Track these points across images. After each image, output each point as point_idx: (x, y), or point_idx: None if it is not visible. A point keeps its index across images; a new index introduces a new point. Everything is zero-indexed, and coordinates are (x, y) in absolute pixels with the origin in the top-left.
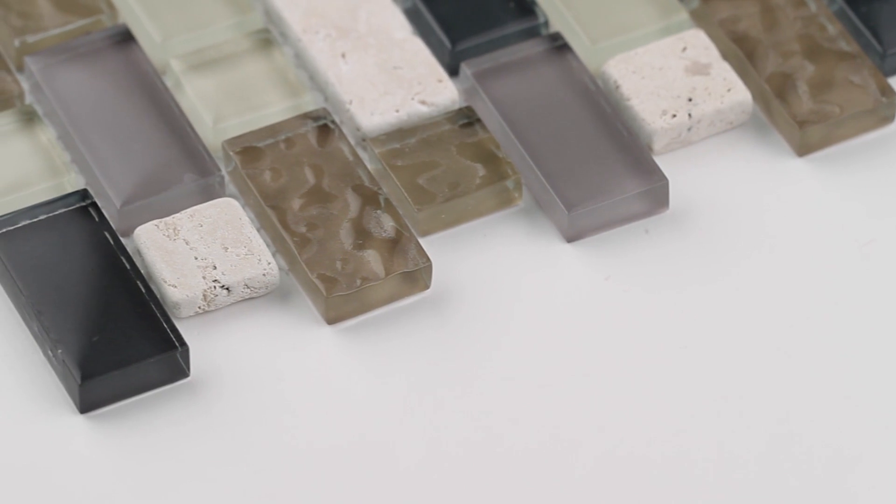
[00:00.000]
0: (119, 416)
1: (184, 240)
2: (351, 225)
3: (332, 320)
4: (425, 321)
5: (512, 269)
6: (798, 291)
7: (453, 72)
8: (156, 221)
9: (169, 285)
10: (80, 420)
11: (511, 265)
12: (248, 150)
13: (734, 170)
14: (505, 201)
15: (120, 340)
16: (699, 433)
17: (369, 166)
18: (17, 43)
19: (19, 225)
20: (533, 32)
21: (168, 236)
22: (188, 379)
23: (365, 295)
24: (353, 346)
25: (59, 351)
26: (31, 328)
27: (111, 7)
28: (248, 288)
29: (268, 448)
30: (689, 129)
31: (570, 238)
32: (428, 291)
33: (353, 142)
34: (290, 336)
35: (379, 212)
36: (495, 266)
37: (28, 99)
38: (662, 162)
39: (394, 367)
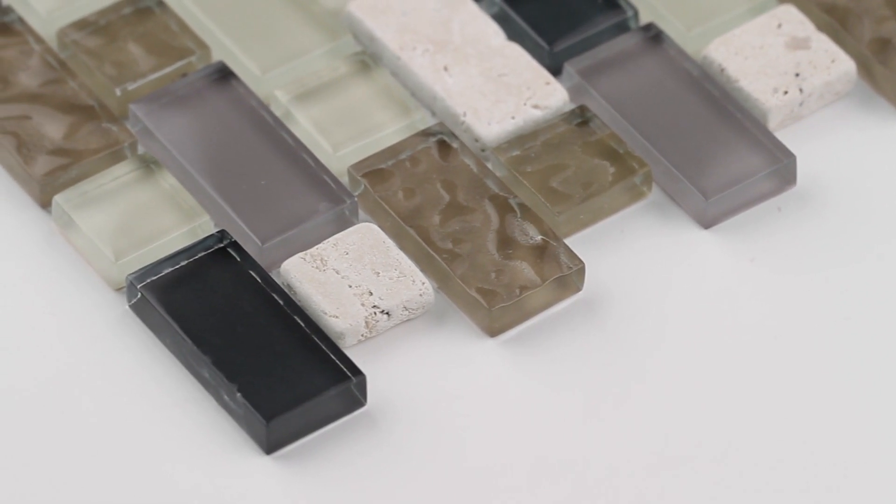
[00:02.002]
0: (303, 452)
1: (334, 269)
2: (496, 235)
3: (494, 332)
4: (583, 324)
5: (656, 262)
6: None
7: (554, 73)
8: (301, 254)
9: (330, 316)
10: (267, 461)
11: (654, 258)
12: (375, 172)
13: (849, 139)
14: (636, 196)
15: (295, 377)
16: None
17: (497, 175)
18: (118, 92)
19: (162, 274)
20: (623, 26)
21: (317, 268)
22: (364, 408)
23: (524, 304)
24: (519, 358)
25: (238, 395)
26: (198, 375)
27: (202, 46)
28: (406, 310)
29: (454, 471)
30: (801, 104)
31: (707, 224)
32: (580, 294)
33: (473, 153)
34: (455, 353)
35: (520, 219)
36: (639, 261)
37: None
38: (780, 138)
39: (563, 376)
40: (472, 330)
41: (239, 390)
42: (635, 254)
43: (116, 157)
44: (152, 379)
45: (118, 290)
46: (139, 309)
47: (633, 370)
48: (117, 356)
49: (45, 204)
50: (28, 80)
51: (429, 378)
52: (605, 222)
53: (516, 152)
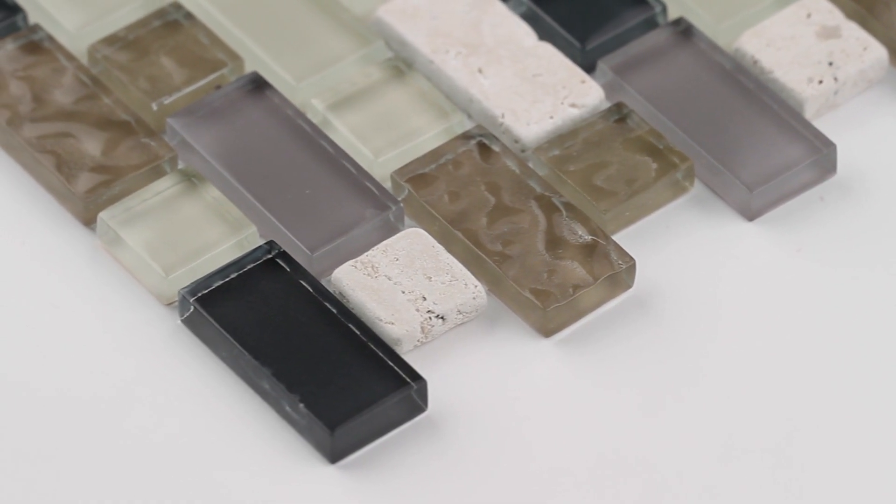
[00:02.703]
0: (367, 460)
1: (385, 276)
2: (544, 236)
3: (549, 333)
4: (636, 321)
5: (703, 256)
6: None
7: (586, 71)
8: (352, 262)
9: (386, 323)
10: (332, 471)
11: (701, 252)
12: (419, 177)
13: (885, 126)
14: (678, 191)
15: (356, 385)
16: None
17: (540, 175)
18: (154, 106)
19: (213, 287)
20: (652, 21)
21: (368, 275)
22: (425, 413)
23: (577, 303)
24: (575, 357)
25: (301, 405)
26: (257, 387)
27: (234, 57)
28: (460, 314)
29: (519, 472)
30: (836, 93)
31: (751, 216)
32: (630, 291)
33: (514, 154)
34: (511, 355)
35: (568, 219)
36: (686, 256)
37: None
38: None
39: (620, 374)
40: (525, 331)
41: (301, 400)
42: (682, 248)
43: (157, 172)
44: (210, 392)
45: (169, 304)
46: (192, 323)
47: (689, 365)
48: (173, 370)
49: (89, 221)
50: (62, 97)
51: (487, 380)
52: (649, 218)
53: (557, 152)
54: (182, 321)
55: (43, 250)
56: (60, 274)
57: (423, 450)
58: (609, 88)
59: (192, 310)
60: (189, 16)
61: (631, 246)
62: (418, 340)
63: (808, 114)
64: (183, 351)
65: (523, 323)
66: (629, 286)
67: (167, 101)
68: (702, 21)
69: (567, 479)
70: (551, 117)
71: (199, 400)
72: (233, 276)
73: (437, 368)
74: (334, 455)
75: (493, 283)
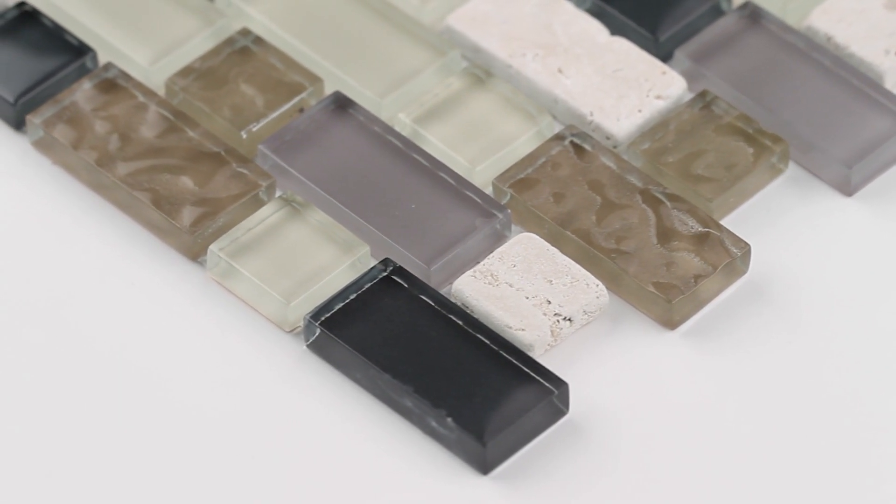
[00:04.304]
0: (516, 468)
1: (506, 283)
2: (656, 229)
3: (674, 325)
4: (754, 305)
5: (809, 236)
6: None
7: (661, 61)
8: (470, 272)
9: (516, 330)
10: (485, 482)
11: (807, 232)
12: (520, 182)
13: None
14: (775, 173)
15: (499, 395)
16: None
17: (638, 169)
18: (243, 135)
19: (336, 309)
20: (717, 8)
21: (489, 283)
22: (567, 416)
23: (699, 293)
24: (703, 346)
25: (449, 420)
26: (397, 405)
27: (314, 79)
28: (586, 314)
29: (667, 467)
30: None
31: (850, 192)
32: (745, 276)
33: (609, 150)
34: (641, 349)
35: (676, 210)
36: (792, 236)
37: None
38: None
39: (751, 360)
40: (649, 325)
41: (448, 415)
42: (787, 230)
43: (257, 200)
44: (347, 414)
45: (291, 331)
46: (319, 347)
47: (817, 344)
48: (307, 395)
49: (195, 255)
50: (147, 133)
51: (621, 378)
52: (749, 202)
53: (651, 144)
54: (308, 346)
55: (153, 289)
56: (175, 311)
57: (569, 452)
58: (688, 77)
59: (317, 333)
60: (258, 41)
61: (736, 231)
62: (548, 344)
63: (889, 85)
64: (312, 375)
65: (645, 317)
66: (744, 272)
67: (255, 128)
68: (768, 2)
69: (713, 470)
70: (640, 111)
71: (337, 422)
72: (352, 296)
73: (570, 370)
74: (487, 466)
75: (611, 281)
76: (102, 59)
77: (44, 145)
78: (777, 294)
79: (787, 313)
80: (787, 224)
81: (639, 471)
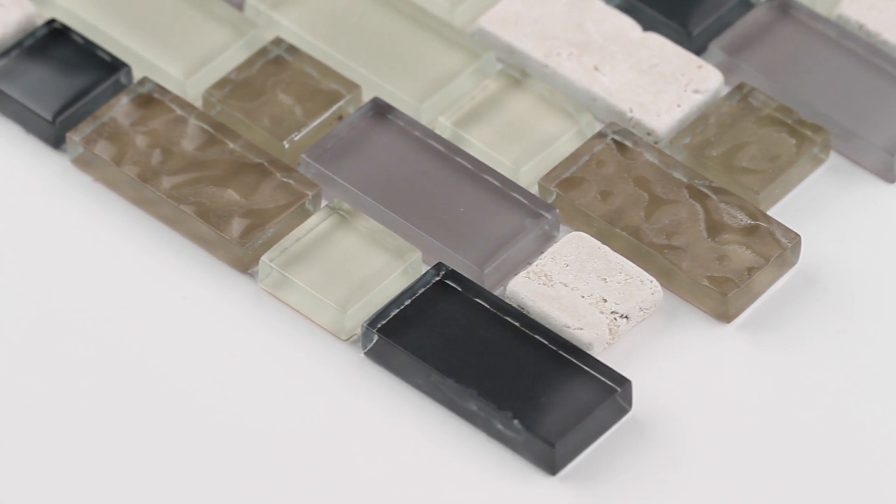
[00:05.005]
0: (583, 467)
1: (561, 283)
2: (706, 223)
3: (729, 318)
4: (806, 295)
5: (857, 223)
6: None
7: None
8: (524, 273)
9: (575, 329)
10: (554, 482)
11: (853, 219)
12: (566, 181)
13: None
14: (817, 162)
15: (563, 395)
16: None
17: (682, 164)
18: (286, 144)
19: (392, 316)
20: (746, 1)
21: (544, 283)
22: (630, 414)
23: (753, 285)
24: (759, 339)
25: (516, 422)
26: (460, 409)
27: (351, 86)
28: (642, 311)
29: (734, 460)
30: None
31: (893, 179)
32: (795, 267)
33: (651, 146)
34: (697, 344)
35: (724, 203)
36: (840, 225)
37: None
38: None
39: (808, 350)
40: (704, 318)
41: (515, 417)
42: (832, 219)
43: (304, 209)
44: (409, 419)
45: (348, 339)
46: (377, 354)
47: (874, 331)
48: (368, 401)
49: (245, 267)
50: (188, 146)
51: (680, 372)
52: (792, 193)
53: (693, 139)
54: (365, 353)
55: (206, 301)
56: (230, 323)
57: (634, 450)
58: (721, 70)
59: (375, 340)
60: (292, 49)
61: (783, 222)
62: (606, 343)
63: None
64: (371, 382)
65: (699, 311)
66: (794, 263)
67: (297, 137)
68: None
69: (779, 464)
70: (679, 105)
71: (401, 428)
72: (407, 302)
73: (628, 367)
74: (555, 467)
75: (663, 276)
76: (134, 73)
77: (84, 162)
78: (828, 283)
79: (840, 302)
80: (831, 213)
81: (706, 466)
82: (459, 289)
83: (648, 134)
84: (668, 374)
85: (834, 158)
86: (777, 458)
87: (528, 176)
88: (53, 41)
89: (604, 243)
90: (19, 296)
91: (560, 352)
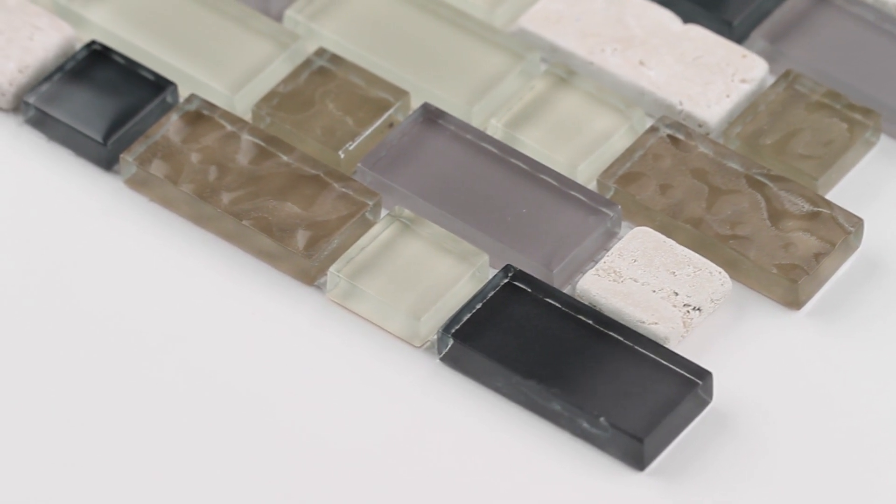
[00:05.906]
0: (668, 460)
1: (631, 279)
2: (768, 212)
3: (799, 305)
4: (871, 280)
5: None
6: None
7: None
8: (593, 271)
9: (650, 324)
10: (643, 478)
11: None
12: (624, 177)
13: None
14: (869, 145)
15: (646, 391)
16: None
17: (737, 153)
18: (341, 155)
19: (465, 320)
20: None
21: (614, 280)
22: (711, 406)
23: (821, 271)
24: (830, 327)
25: (602, 419)
26: (542, 410)
27: (399, 93)
28: (713, 302)
29: (818, 450)
30: None
31: None
32: (858, 251)
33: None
34: (770, 332)
35: (784, 191)
36: None
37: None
38: None
39: (880, 335)
40: (774, 307)
41: (601, 415)
42: (891, 200)
43: (365, 219)
44: (492, 422)
45: (421, 346)
46: (453, 359)
47: None
48: (448, 406)
49: (312, 279)
50: (242, 161)
51: (756, 362)
52: (846, 177)
53: (745, 128)
54: (441, 359)
55: (275, 315)
56: (301, 336)
57: (718, 441)
58: (767, 56)
59: (450, 345)
60: (335, 59)
61: (843, 206)
62: (682, 335)
63: None
64: (450, 387)
65: (768, 300)
66: (857, 247)
67: (351, 146)
68: None
69: (861, 450)
70: (728, 96)
71: (485, 431)
72: (479, 306)
73: (704, 359)
74: (644, 463)
75: (730, 266)
76: (182, 91)
77: (138, 182)
78: (891, 265)
79: None
80: (888, 196)
81: (790, 455)
82: (529, 290)
83: (700, 126)
84: (744, 363)
85: (885, 141)
86: (858, 445)
87: (584, 174)
88: (95, 63)
89: (670, 236)
90: (90, 322)
91: (637, 347)
